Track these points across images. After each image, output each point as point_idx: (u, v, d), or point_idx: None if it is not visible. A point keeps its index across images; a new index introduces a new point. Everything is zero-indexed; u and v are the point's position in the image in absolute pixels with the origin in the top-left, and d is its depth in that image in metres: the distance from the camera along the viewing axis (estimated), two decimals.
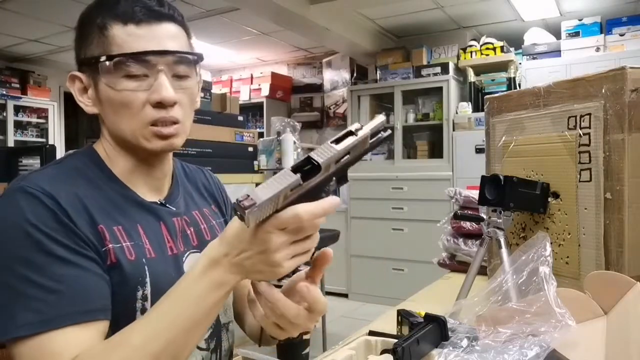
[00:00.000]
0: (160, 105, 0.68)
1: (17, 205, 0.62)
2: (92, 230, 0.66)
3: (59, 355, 0.58)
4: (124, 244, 0.68)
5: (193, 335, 0.58)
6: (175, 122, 0.70)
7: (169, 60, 0.69)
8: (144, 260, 0.69)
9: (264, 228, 0.51)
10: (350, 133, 0.52)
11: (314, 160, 0.49)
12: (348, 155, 0.53)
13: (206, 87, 3.12)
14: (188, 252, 0.77)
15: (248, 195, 0.47)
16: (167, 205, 0.78)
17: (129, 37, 0.66)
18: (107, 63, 0.66)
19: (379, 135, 0.55)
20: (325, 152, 0.51)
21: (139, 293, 0.68)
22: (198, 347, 0.76)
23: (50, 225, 0.62)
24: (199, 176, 0.92)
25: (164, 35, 0.69)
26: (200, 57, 0.73)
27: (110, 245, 0.66)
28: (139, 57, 0.66)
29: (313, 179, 0.50)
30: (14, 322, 0.58)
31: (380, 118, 0.55)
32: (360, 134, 0.52)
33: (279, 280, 0.58)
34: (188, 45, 0.73)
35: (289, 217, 0.50)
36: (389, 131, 0.57)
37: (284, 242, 0.52)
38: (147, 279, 0.68)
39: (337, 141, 0.52)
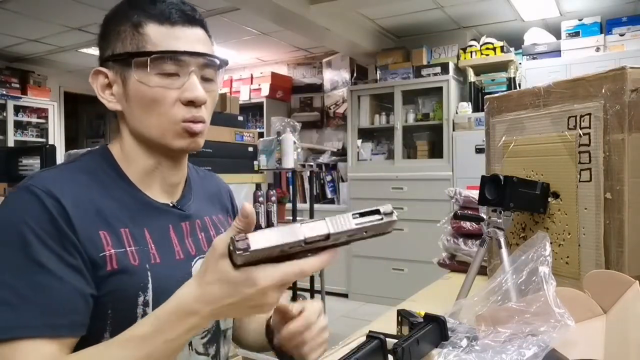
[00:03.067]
0: (191, 104, 0.71)
1: (19, 204, 0.63)
2: (92, 235, 0.66)
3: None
4: (128, 249, 0.68)
5: None
6: (202, 122, 0.73)
7: (200, 62, 0.71)
8: (147, 265, 0.69)
9: (259, 282, 0.50)
10: (377, 212, 0.52)
11: (329, 228, 0.49)
12: (364, 234, 0.52)
13: None
14: (198, 257, 0.77)
15: (246, 237, 0.47)
16: (179, 208, 0.79)
17: (164, 36, 0.69)
18: (143, 59, 0.68)
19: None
20: (343, 224, 0.50)
21: (140, 299, 0.67)
22: (196, 352, 0.76)
23: (45, 228, 0.62)
24: (209, 182, 0.93)
25: (195, 39, 0.72)
26: (225, 63, 0.76)
27: (111, 251, 0.66)
28: (175, 55, 0.69)
29: (317, 243, 0.50)
30: None
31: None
32: (386, 219, 0.52)
33: None
34: (211, 52, 0.75)
35: (288, 275, 0.51)
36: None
37: (276, 298, 0.53)
38: (149, 285, 0.68)
39: (361, 215, 0.51)
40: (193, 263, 0.76)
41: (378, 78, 4.42)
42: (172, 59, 0.69)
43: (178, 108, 0.70)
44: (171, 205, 0.78)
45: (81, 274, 0.64)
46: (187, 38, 0.71)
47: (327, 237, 0.49)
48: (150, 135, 0.72)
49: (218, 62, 0.74)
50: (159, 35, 0.69)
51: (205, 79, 0.73)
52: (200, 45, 0.72)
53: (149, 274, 0.69)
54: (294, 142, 3.10)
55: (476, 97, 4.03)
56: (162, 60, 0.68)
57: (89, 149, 0.81)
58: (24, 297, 0.59)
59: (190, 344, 0.74)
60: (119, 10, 0.73)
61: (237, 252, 0.47)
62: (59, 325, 0.60)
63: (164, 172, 0.77)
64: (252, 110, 5.21)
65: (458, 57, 4.18)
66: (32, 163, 2.79)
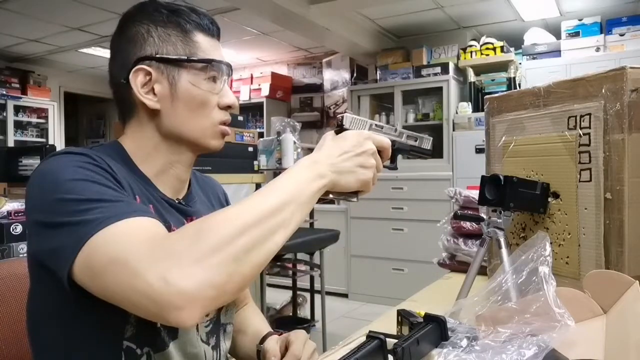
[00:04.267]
0: (228, 108, 0.80)
1: (63, 159, 0.65)
2: (132, 195, 0.70)
3: (151, 227, 0.59)
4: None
5: (286, 214, 0.61)
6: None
7: (230, 71, 0.80)
8: None
9: (364, 135, 0.71)
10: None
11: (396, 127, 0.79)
12: (415, 142, 0.83)
13: None
14: None
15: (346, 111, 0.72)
16: (184, 204, 0.82)
17: (210, 46, 0.78)
18: (198, 64, 0.75)
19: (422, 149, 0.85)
20: (403, 130, 0.81)
21: None
22: (201, 339, 0.79)
23: (98, 170, 0.65)
24: (206, 183, 0.97)
25: (221, 50, 0.81)
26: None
27: None
28: (220, 65, 0.77)
29: (387, 134, 0.78)
30: (85, 228, 0.57)
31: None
32: (425, 138, 0.83)
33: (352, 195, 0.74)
34: None
35: (382, 138, 0.74)
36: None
37: (375, 152, 0.71)
38: None
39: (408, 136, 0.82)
40: None
41: (378, 78, 4.42)
42: (218, 67, 0.77)
43: (216, 111, 0.78)
44: (177, 201, 0.81)
45: None
46: (219, 49, 0.80)
47: (395, 129, 0.79)
48: (190, 134, 0.77)
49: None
50: (208, 45, 0.77)
51: None
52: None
53: None
54: (294, 142, 3.11)
55: (476, 97, 4.03)
56: (211, 67, 0.76)
57: (100, 143, 0.83)
58: (115, 200, 0.61)
59: (197, 329, 0.78)
60: (152, 13, 0.75)
61: (344, 116, 0.71)
62: (153, 217, 0.63)
63: (179, 170, 0.80)
64: (252, 110, 5.21)
65: (458, 57, 4.18)
66: (32, 163, 2.79)
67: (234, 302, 0.89)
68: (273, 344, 0.86)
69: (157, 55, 0.74)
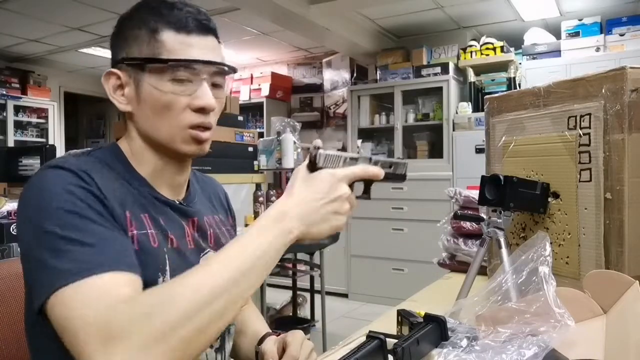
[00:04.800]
0: (201, 110, 0.73)
1: (54, 177, 0.65)
2: (121, 213, 0.68)
3: (114, 288, 0.58)
4: (149, 231, 0.72)
5: (255, 276, 0.60)
6: (209, 128, 0.76)
7: (211, 69, 0.74)
8: (165, 249, 0.73)
9: (338, 176, 0.65)
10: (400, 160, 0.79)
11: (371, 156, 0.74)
12: (390, 169, 0.76)
13: None
14: (207, 250, 0.81)
15: (319, 148, 0.65)
16: (185, 205, 0.82)
17: (180, 44, 0.71)
18: (158, 65, 0.70)
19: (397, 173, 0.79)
20: (379, 157, 0.76)
21: (160, 280, 0.70)
22: None
23: (86, 195, 0.65)
24: (207, 184, 0.96)
25: (208, 47, 0.74)
26: (234, 70, 0.79)
27: (134, 232, 0.69)
28: (189, 64, 0.71)
29: (362, 163, 0.72)
30: (58, 276, 0.58)
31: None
32: (400, 163, 0.79)
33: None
34: (222, 59, 0.77)
35: (357, 172, 0.68)
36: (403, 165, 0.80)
37: (349, 195, 0.66)
38: (167, 267, 0.71)
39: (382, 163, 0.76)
40: (202, 255, 0.80)
41: (378, 78, 4.41)
42: (185, 66, 0.71)
43: (187, 114, 0.73)
44: (177, 202, 0.81)
45: (125, 233, 0.67)
46: (200, 46, 0.73)
47: (370, 159, 0.73)
48: (159, 138, 0.74)
49: (227, 69, 0.77)
50: (175, 43, 0.71)
51: (214, 85, 0.75)
52: (212, 53, 0.74)
53: (166, 256, 0.72)
54: (294, 142, 3.10)
55: (476, 97, 4.03)
56: (176, 67, 0.71)
57: (98, 146, 0.83)
58: (89, 244, 0.61)
59: None
60: (135, 14, 0.74)
61: (318, 153, 0.65)
62: (128, 264, 0.62)
63: (171, 173, 0.79)
64: (252, 110, 5.20)
65: (458, 57, 4.18)
66: (32, 163, 2.80)
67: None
68: (271, 345, 0.86)
69: (125, 57, 0.73)
